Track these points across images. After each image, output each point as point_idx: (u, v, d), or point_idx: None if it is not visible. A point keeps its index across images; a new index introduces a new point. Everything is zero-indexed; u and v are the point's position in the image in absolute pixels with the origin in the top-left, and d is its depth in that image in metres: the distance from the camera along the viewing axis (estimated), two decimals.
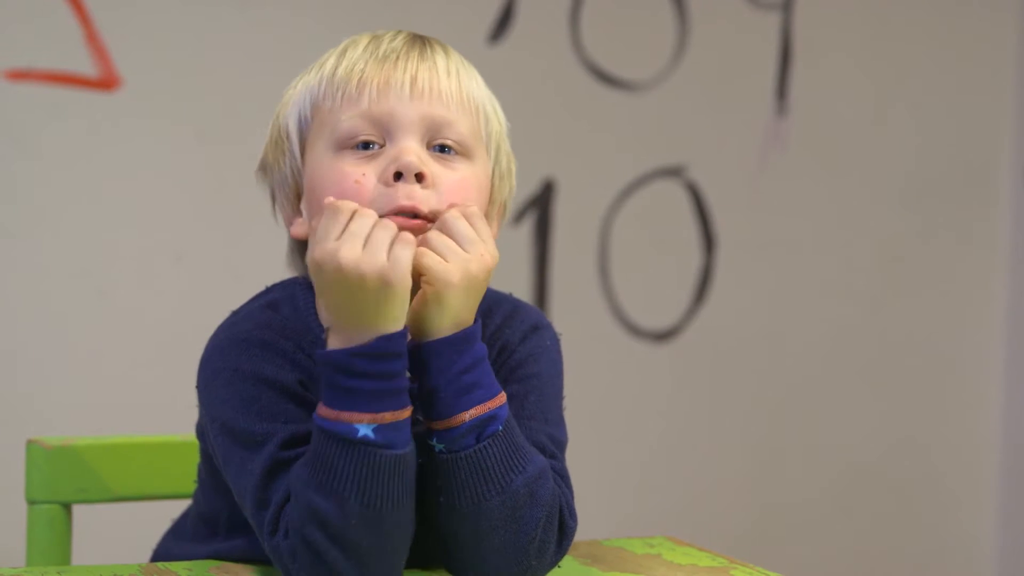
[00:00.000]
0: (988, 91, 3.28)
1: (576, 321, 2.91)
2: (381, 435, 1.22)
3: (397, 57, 1.35)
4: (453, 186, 1.33)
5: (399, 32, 1.39)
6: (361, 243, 1.23)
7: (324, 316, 1.29)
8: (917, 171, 3.23)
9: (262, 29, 2.65)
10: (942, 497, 3.30)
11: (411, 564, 1.30)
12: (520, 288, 2.88)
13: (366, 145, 1.33)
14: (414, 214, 1.30)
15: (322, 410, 1.24)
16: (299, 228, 1.39)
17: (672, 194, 3.03)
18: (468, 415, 1.27)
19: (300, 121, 1.38)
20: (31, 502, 1.61)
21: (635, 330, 3.02)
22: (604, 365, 2.98)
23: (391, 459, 1.22)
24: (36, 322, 2.54)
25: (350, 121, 1.33)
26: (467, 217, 1.29)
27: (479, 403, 1.27)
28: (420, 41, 1.38)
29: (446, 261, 1.26)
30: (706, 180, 3.05)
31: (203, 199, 2.62)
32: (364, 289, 1.22)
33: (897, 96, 3.21)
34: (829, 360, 3.19)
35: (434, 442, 1.27)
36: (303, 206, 1.39)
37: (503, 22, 2.85)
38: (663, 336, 3.05)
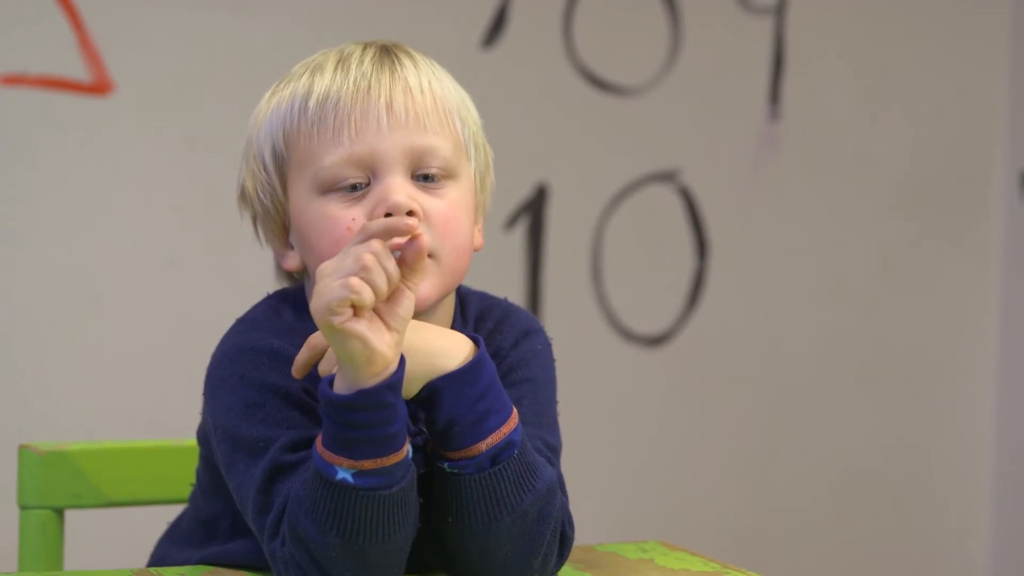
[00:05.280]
0: (981, 95, 3.29)
1: (569, 326, 2.91)
2: (362, 480, 1.20)
3: (368, 85, 1.32)
4: (442, 216, 1.32)
5: (366, 48, 1.36)
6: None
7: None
8: (910, 175, 3.23)
9: (255, 34, 2.65)
10: (935, 502, 3.31)
11: (410, 569, 1.30)
12: (513, 293, 2.88)
13: (352, 187, 1.31)
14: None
15: (318, 442, 1.23)
16: (291, 262, 1.38)
17: (665, 199, 3.03)
18: (484, 445, 1.25)
19: (275, 153, 1.35)
20: (23, 507, 1.61)
21: (628, 335, 3.02)
22: (597, 370, 2.98)
23: (374, 499, 1.21)
24: (28, 326, 2.54)
25: (334, 168, 1.31)
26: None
27: (494, 430, 1.26)
28: (388, 57, 1.35)
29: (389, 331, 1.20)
30: (699, 185, 3.05)
31: (195, 203, 2.62)
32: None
33: (890, 100, 3.21)
34: (822, 365, 3.19)
35: (446, 467, 1.26)
36: (292, 240, 1.37)
37: (496, 27, 2.85)
38: (656, 341, 3.05)
